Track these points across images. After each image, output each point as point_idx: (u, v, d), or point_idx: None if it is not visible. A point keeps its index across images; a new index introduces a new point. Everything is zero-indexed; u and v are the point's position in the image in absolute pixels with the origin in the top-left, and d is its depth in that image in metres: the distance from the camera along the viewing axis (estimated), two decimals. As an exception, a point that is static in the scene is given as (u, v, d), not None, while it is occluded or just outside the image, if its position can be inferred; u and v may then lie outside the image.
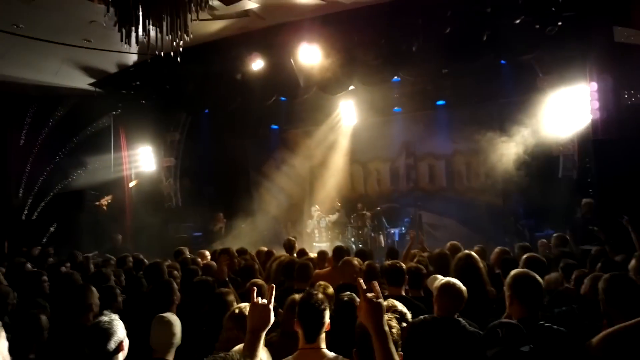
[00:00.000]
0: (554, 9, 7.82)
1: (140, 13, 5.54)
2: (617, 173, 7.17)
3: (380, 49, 8.94)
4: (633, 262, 3.58)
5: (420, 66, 9.24)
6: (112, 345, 2.39)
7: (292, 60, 9.44)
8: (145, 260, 6.09)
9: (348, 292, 3.14)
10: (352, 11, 8.61)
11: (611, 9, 7.91)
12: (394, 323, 2.16)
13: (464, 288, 2.85)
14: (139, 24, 5.57)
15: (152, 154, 12.39)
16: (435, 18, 8.40)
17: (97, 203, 11.12)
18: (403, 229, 11.82)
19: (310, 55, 9.15)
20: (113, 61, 10.40)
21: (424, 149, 12.74)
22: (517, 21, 7.98)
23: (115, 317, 2.50)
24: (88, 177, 11.68)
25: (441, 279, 3.05)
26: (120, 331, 2.45)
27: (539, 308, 2.61)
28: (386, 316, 2.20)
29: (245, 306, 2.70)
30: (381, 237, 11.49)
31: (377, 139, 12.57)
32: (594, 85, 8.01)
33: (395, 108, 12.61)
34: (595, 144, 7.82)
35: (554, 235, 6.48)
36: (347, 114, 12.37)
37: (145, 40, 5.69)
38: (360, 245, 10.76)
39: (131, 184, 12.18)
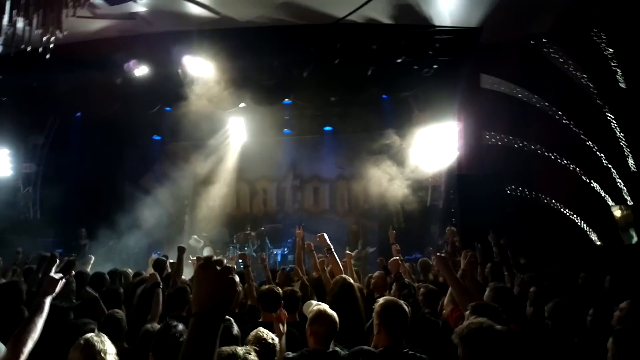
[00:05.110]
0: (431, 52, 8.62)
1: (8, 1, 4.98)
2: (476, 204, 8.02)
3: (273, 71, 9.03)
4: (487, 291, 3.82)
5: (310, 92, 9.52)
6: None
7: (180, 71, 9.08)
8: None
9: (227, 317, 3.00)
10: (246, 30, 8.60)
11: (480, 57, 8.95)
12: (252, 356, 2.03)
13: (335, 315, 2.88)
14: (4, 12, 4.99)
15: (9, 158, 10.92)
16: (326, 48, 8.74)
17: None
18: (286, 249, 11.85)
19: (200, 68, 8.88)
20: (-30, 50, 9.05)
21: (310, 172, 13.05)
22: (399, 60, 8.64)
23: None
24: None
25: (315, 304, 3.06)
26: None
27: (405, 336, 2.73)
28: (244, 349, 2.07)
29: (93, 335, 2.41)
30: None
31: (265, 159, 12.56)
32: (460, 125, 8.95)
33: (285, 130, 12.78)
34: (459, 177, 8.67)
35: (420, 260, 6.97)
36: (237, 131, 12.20)
37: (10, 31, 5.09)
38: (242, 267, 10.51)
39: (-19, 191, 10.58)
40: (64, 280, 2.57)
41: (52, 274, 2.55)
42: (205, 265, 1.34)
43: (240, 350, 2.04)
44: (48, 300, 2.45)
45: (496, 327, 2.14)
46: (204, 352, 1.25)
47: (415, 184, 9.86)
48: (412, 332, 2.96)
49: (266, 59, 8.93)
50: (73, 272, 3.90)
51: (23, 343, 2.30)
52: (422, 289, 4.27)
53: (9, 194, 10.97)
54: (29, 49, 5.01)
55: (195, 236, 11.48)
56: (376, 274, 5.57)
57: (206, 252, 11.15)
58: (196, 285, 1.34)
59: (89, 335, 2.42)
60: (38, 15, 5.01)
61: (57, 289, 2.50)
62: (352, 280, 4.09)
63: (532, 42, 8.97)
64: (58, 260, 3.04)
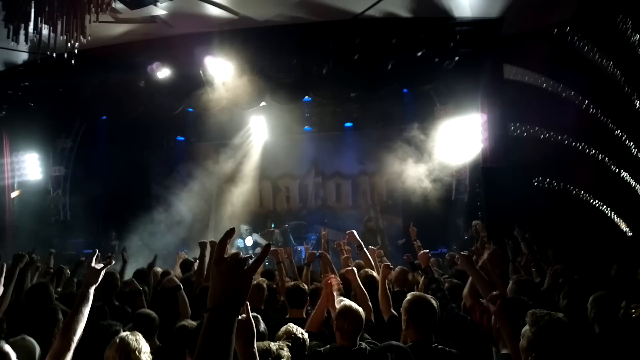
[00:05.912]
0: (452, 44, 8.49)
1: (33, 10, 5.08)
2: (502, 197, 7.88)
3: (293, 69, 9.04)
4: (510, 284, 3.82)
5: (330, 88, 9.50)
6: None
7: (201, 72, 9.18)
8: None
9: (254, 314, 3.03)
10: (265, 29, 8.62)
11: (503, 48, 8.77)
12: (284, 351, 2.07)
13: (360, 310, 2.88)
14: (29, 21, 5.10)
15: (39, 162, 11.25)
16: (344, 44, 8.70)
17: (-30, 214, 9.80)
18: (310, 246, 11.89)
19: (221, 68, 8.97)
20: (-1, 58, 9.33)
21: (332, 168, 13.05)
22: (419, 54, 8.53)
23: None
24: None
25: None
26: None
27: (433, 331, 2.71)
28: (276, 344, 2.12)
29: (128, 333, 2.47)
30: (288, 255, 11.45)
31: (287, 156, 12.62)
32: (484, 117, 8.79)
33: (306, 127, 12.81)
34: (484, 170, 8.53)
35: (447, 254, 6.91)
36: (258, 130, 12.28)
37: (36, 38, 5.21)
38: (267, 263, 10.62)
39: (13, 194, 10.94)
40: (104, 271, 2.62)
41: (93, 264, 2.59)
42: (218, 261, 1.33)
43: (273, 345, 2.08)
44: (92, 290, 2.50)
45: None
46: (220, 347, 1.24)
47: (439, 177, 9.75)
48: (441, 327, 2.94)
49: (285, 57, 8.94)
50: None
51: (73, 332, 2.35)
52: (446, 284, 4.23)
53: (40, 197, 11.31)
54: (54, 54, 5.11)
55: (243, 225, 11.64)
56: (397, 268, 5.57)
57: (256, 236, 11.53)
58: (210, 281, 1.36)
59: (124, 334, 2.48)
60: (62, 22, 5.10)
61: (99, 278, 2.55)
62: (375, 274, 4.09)
63: (555, 30, 8.74)
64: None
